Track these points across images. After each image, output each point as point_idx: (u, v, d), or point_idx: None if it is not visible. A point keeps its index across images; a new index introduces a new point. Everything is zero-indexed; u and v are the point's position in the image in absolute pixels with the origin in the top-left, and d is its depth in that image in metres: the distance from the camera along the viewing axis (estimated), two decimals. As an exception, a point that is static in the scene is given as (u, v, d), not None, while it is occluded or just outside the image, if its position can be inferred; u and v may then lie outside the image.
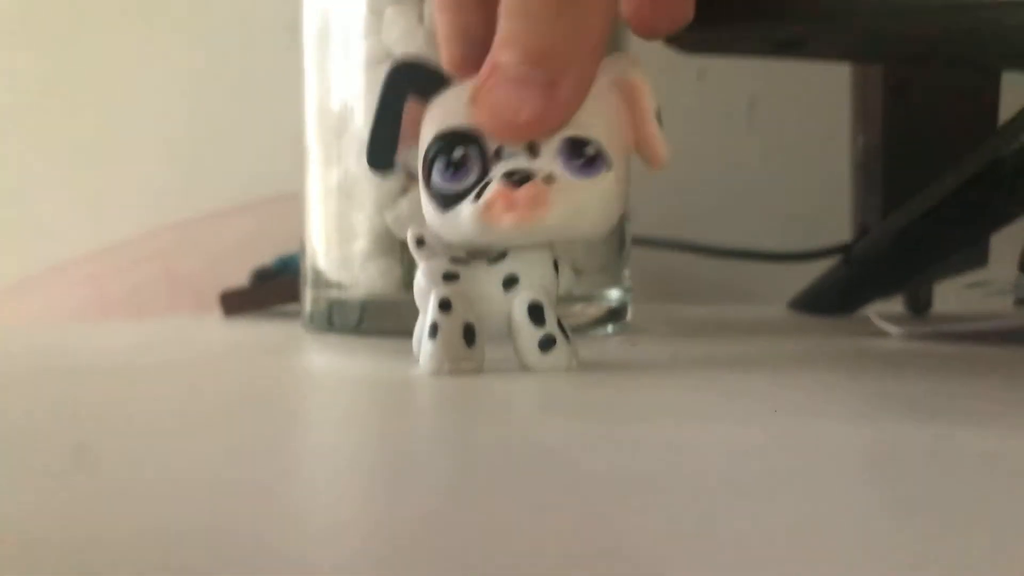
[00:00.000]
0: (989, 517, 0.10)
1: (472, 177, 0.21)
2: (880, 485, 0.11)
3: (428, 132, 0.21)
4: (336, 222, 0.32)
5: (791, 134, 0.59)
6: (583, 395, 0.19)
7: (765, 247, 0.48)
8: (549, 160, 0.20)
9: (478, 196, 0.20)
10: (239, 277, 0.47)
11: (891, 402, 0.18)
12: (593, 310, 0.32)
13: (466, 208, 0.20)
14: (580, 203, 0.20)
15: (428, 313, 0.21)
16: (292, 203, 0.35)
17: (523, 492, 0.11)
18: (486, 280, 0.21)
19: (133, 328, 0.41)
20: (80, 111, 0.64)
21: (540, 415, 0.17)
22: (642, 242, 0.44)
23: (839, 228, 0.46)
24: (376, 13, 0.30)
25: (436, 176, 0.21)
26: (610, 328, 0.32)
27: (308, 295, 0.33)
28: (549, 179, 0.20)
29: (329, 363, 0.25)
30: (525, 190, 0.20)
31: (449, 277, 0.21)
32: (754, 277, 0.55)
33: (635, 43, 0.32)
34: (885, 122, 0.42)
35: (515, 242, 0.21)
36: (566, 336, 0.21)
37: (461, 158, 0.21)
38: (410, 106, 0.22)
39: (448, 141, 0.21)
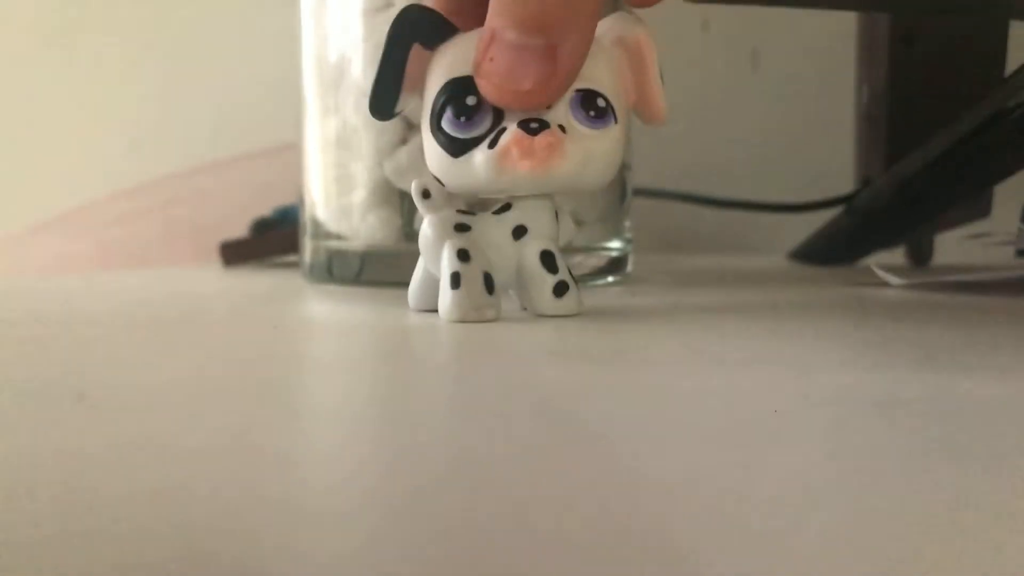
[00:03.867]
0: (992, 461, 0.10)
1: (485, 124, 0.21)
2: (881, 430, 0.11)
3: (437, 80, 0.21)
4: (335, 172, 0.32)
5: (795, 85, 0.59)
6: (591, 342, 0.19)
7: (767, 198, 0.48)
8: (562, 111, 0.21)
9: (493, 143, 0.20)
10: (239, 228, 0.47)
11: (891, 351, 0.18)
12: (594, 260, 0.32)
13: (480, 154, 0.20)
14: (590, 153, 0.21)
15: (445, 263, 0.21)
16: (290, 153, 0.34)
17: (526, 437, 0.11)
18: (496, 230, 0.22)
19: (133, 278, 0.41)
20: (78, 60, 0.64)
21: (548, 361, 0.17)
22: (643, 193, 0.44)
23: (842, 179, 0.46)
24: (374, -40, 0.30)
25: (447, 123, 0.21)
26: (611, 278, 0.32)
27: (308, 246, 0.33)
28: (562, 129, 0.20)
29: (330, 312, 0.25)
30: (543, 138, 0.20)
31: (462, 228, 0.22)
32: (755, 228, 0.55)
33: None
34: (890, 73, 0.41)
35: (527, 190, 0.21)
36: (575, 282, 0.22)
37: (475, 105, 0.21)
38: (414, 54, 0.21)
39: (460, 88, 0.21)
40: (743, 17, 0.58)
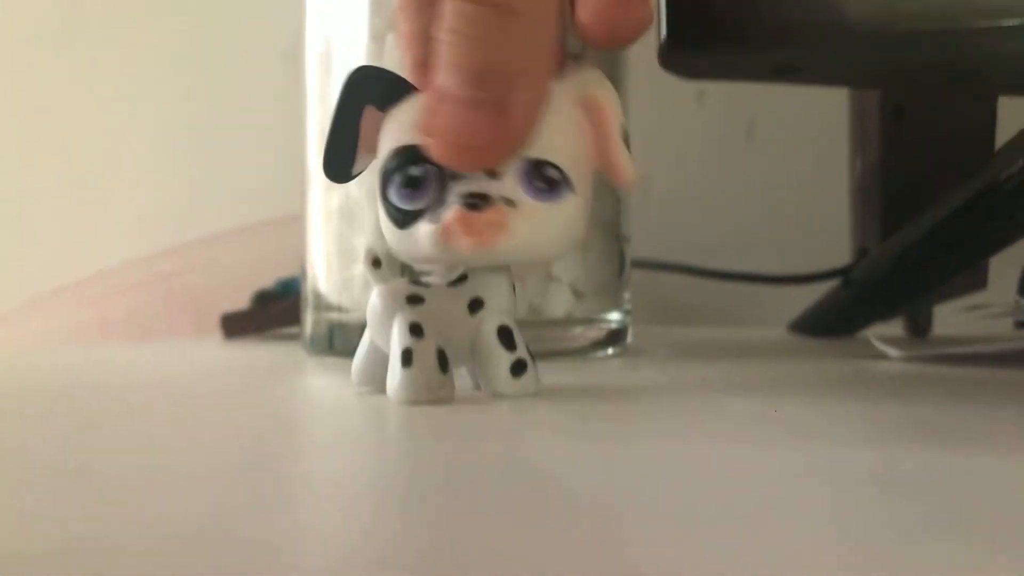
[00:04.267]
0: (997, 534, 0.10)
1: (429, 195, 0.20)
2: (885, 507, 0.11)
3: (386, 145, 0.20)
4: (337, 245, 0.32)
5: (790, 157, 0.60)
6: (590, 415, 0.19)
7: (764, 270, 0.48)
8: (510, 183, 0.20)
9: (436, 217, 0.19)
10: (240, 300, 0.47)
11: (892, 424, 0.18)
12: (593, 332, 0.32)
13: (423, 228, 0.20)
14: (542, 228, 0.20)
15: (396, 338, 0.20)
16: (293, 226, 0.35)
17: (521, 514, 0.11)
18: (451, 303, 0.20)
19: (134, 350, 0.41)
20: (80, 133, 0.65)
21: (543, 438, 0.17)
22: (642, 265, 0.45)
23: (838, 251, 0.46)
24: (377, 39, 0.30)
25: (393, 193, 0.20)
26: (610, 350, 0.32)
27: (309, 318, 0.33)
28: (509, 202, 0.19)
29: (330, 386, 0.25)
30: (485, 215, 0.19)
31: (414, 300, 0.20)
32: (754, 300, 0.55)
33: (633, 66, 0.32)
34: (883, 145, 0.42)
35: (474, 264, 0.20)
36: (533, 359, 0.21)
37: (419, 176, 0.20)
38: (368, 115, 0.21)
39: (405, 158, 0.20)
40: (738, 90, 0.59)
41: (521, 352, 0.20)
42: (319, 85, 0.33)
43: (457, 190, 0.19)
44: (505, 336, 0.20)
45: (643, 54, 0.27)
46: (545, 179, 0.19)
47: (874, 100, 0.42)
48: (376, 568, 0.09)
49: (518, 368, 0.20)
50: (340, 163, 0.21)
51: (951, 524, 0.10)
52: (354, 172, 0.21)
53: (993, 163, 0.30)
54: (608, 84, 0.21)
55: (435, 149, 0.19)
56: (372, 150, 0.21)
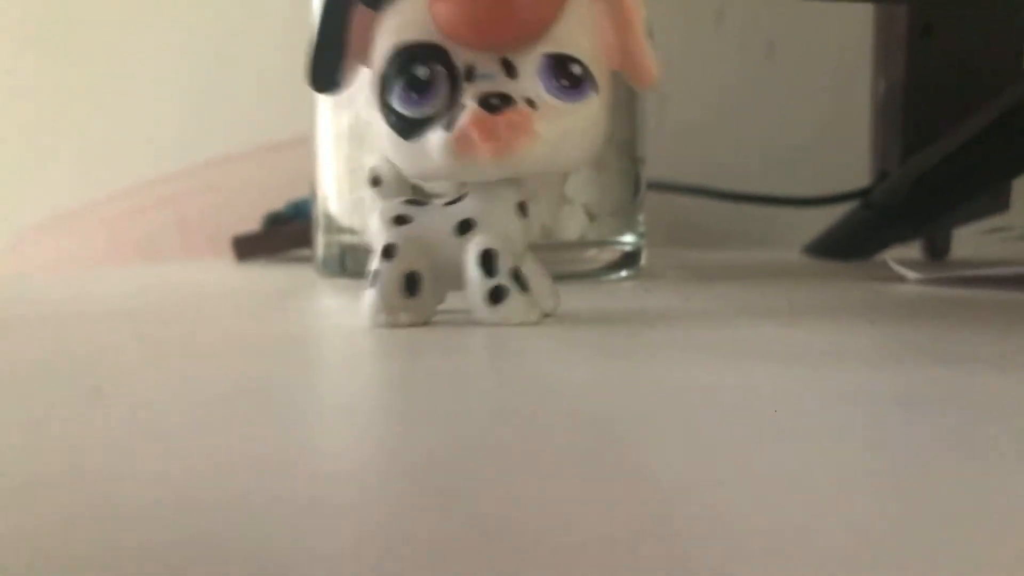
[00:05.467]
0: (1014, 454, 0.10)
1: (439, 99, 0.18)
2: (902, 427, 0.11)
3: (384, 46, 0.18)
4: (347, 166, 0.32)
5: (810, 77, 0.58)
6: (595, 339, 0.19)
7: (782, 192, 0.48)
8: (530, 81, 0.18)
9: (449, 123, 0.18)
10: (251, 222, 0.47)
11: (909, 347, 0.18)
12: (607, 255, 0.31)
13: (435, 137, 0.18)
14: (565, 131, 0.18)
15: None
16: (303, 147, 0.34)
17: (527, 429, 0.11)
18: (440, 224, 0.19)
19: (147, 273, 0.41)
20: (90, 57, 0.64)
21: (552, 358, 0.17)
22: (657, 187, 0.44)
23: (858, 173, 0.45)
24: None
25: (396, 99, 0.18)
26: (624, 273, 0.32)
27: (320, 240, 0.33)
28: (531, 104, 0.18)
29: (342, 307, 0.25)
30: (506, 117, 0.17)
31: (400, 220, 0.19)
32: (770, 222, 0.54)
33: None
34: (907, 65, 0.41)
35: (492, 176, 0.18)
36: (522, 287, 0.19)
37: (426, 77, 0.18)
38: (359, 16, 0.19)
39: (409, 57, 0.18)
40: (759, 8, 0.57)
41: (502, 278, 0.19)
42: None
43: (471, 92, 0.18)
44: (486, 260, 0.19)
45: (661, -33, 0.26)
46: (569, 76, 0.18)
47: (901, 17, 0.41)
48: (383, 484, 0.09)
49: (496, 295, 0.19)
50: (327, 71, 0.19)
51: (969, 444, 0.10)
52: (343, 82, 0.19)
53: (1020, 83, 0.29)
54: None
55: (447, 14, 0.17)
56: (363, 56, 0.19)
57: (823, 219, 0.45)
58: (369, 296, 0.19)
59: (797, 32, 0.58)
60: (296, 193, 0.46)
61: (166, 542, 0.07)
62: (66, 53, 0.64)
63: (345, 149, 0.31)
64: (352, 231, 0.31)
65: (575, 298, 0.21)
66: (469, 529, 0.08)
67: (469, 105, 0.17)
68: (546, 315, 0.20)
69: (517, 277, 0.19)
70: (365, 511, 0.08)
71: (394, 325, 0.19)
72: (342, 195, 0.32)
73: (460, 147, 0.17)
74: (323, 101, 0.32)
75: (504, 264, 0.19)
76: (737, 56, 0.60)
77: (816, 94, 0.58)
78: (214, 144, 0.62)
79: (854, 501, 0.08)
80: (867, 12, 0.45)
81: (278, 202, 0.47)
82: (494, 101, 0.17)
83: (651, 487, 0.09)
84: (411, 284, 0.19)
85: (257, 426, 0.11)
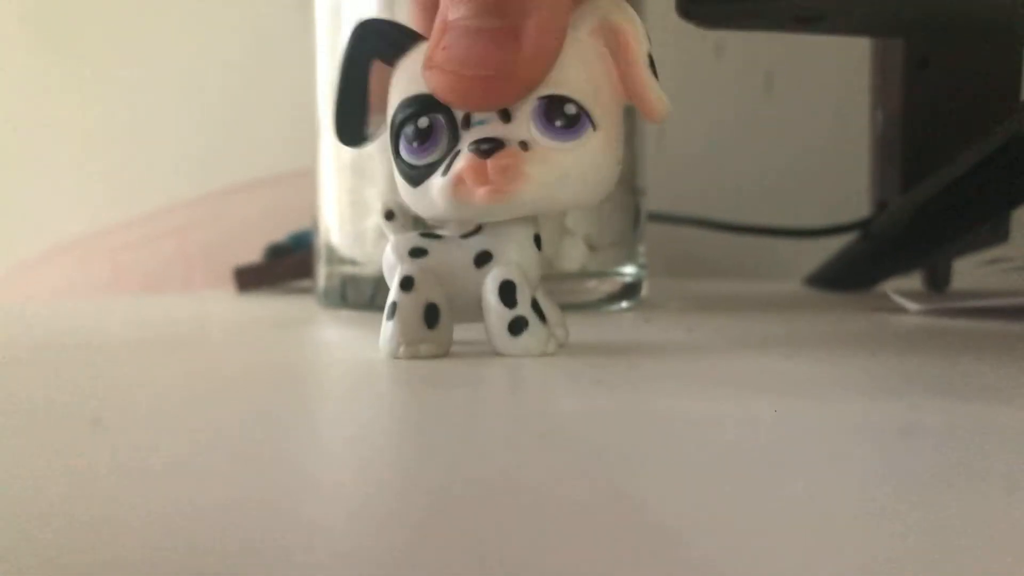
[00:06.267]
0: (1013, 485, 0.10)
1: (440, 147, 0.18)
2: (902, 460, 0.11)
3: (394, 99, 0.19)
4: (349, 198, 0.32)
5: (809, 109, 0.59)
6: (596, 369, 0.19)
7: (782, 223, 0.48)
8: (524, 124, 0.18)
9: (447, 169, 0.18)
10: (253, 253, 0.47)
11: (910, 379, 0.18)
12: (607, 286, 0.32)
13: (436, 183, 0.18)
14: (562, 170, 0.18)
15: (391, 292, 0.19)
16: (305, 179, 0.34)
17: (527, 461, 0.11)
18: (457, 256, 0.19)
19: (148, 303, 0.41)
20: (95, 90, 0.65)
21: (554, 390, 0.17)
22: (658, 218, 0.44)
23: (857, 204, 0.46)
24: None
25: (403, 149, 0.19)
26: (624, 304, 0.32)
27: (322, 271, 0.33)
28: (524, 146, 0.18)
29: (342, 338, 0.25)
30: (496, 161, 0.17)
31: (417, 253, 0.19)
32: (770, 254, 0.54)
33: (651, 15, 0.32)
34: (905, 97, 0.41)
35: (493, 218, 0.19)
36: (541, 318, 0.19)
37: (427, 128, 0.18)
38: (377, 71, 0.19)
39: (413, 108, 0.19)
40: (757, 41, 0.58)
41: (523, 309, 0.19)
42: (329, 38, 0.32)
43: (467, 138, 0.18)
44: (506, 291, 0.19)
45: (661, 3, 0.26)
46: (563, 115, 0.18)
47: (897, 51, 0.41)
48: (385, 520, 0.09)
49: (517, 326, 0.19)
50: (353, 124, 0.20)
51: (970, 476, 0.10)
52: (369, 134, 0.20)
53: (1017, 115, 0.29)
54: (629, 8, 0.19)
55: (440, 84, 0.18)
56: (384, 108, 0.20)
57: (823, 250, 0.45)
58: (388, 328, 0.19)
59: (795, 64, 0.59)
60: (297, 225, 0.46)
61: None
62: (72, 84, 0.65)
63: (347, 181, 0.32)
64: (353, 262, 0.32)
65: (577, 329, 0.21)
66: (477, 565, 0.08)
67: (463, 151, 0.18)
68: (559, 345, 0.20)
69: (536, 308, 0.19)
70: (373, 549, 0.08)
71: (415, 356, 0.19)
72: (344, 226, 0.32)
73: (455, 192, 0.18)
74: (326, 134, 0.33)
75: (523, 295, 0.19)
76: (736, 88, 0.60)
77: (815, 126, 0.58)
78: (218, 176, 0.62)
79: (857, 533, 0.08)
80: (864, 45, 0.46)
81: (280, 234, 0.48)
82: (484, 147, 0.18)
83: (653, 520, 0.09)
84: (431, 316, 0.19)
85: (265, 460, 0.11)
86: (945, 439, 0.12)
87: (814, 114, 0.59)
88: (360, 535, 0.08)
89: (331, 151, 0.32)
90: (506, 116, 0.18)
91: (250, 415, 0.14)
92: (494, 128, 0.18)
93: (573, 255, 0.30)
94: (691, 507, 0.09)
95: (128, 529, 0.09)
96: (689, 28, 0.28)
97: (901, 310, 0.31)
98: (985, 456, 0.11)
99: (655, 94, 0.19)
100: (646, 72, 0.19)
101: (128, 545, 0.08)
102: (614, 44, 0.19)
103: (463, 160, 0.18)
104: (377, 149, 0.31)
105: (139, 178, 0.64)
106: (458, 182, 0.18)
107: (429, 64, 0.18)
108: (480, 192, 0.18)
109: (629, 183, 0.32)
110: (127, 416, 0.14)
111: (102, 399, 0.16)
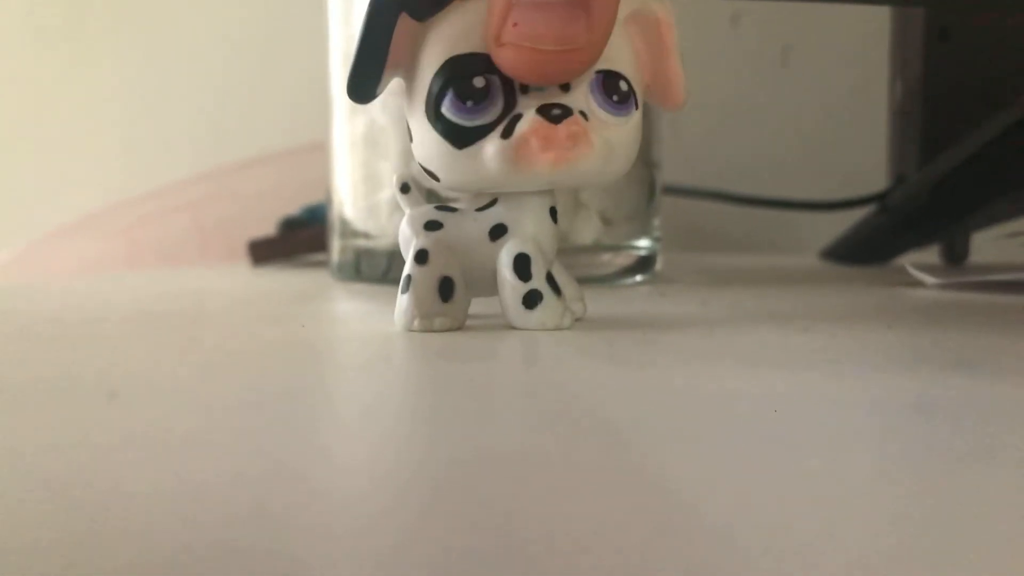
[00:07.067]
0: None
1: (495, 110, 0.18)
2: (920, 434, 0.11)
3: (434, 58, 0.18)
4: (362, 171, 0.32)
5: (826, 81, 0.58)
6: (610, 343, 0.19)
7: (798, 196, 0.47)
8: (582, 95, 0.18)
9: (507, 132, 0.18)
10: (267, 226, 0.47)
11: (926, 353, 0.17)
12: (622, 259, 0.31)
13: (491, 145, 0.18)
14: (613, 144, 0.18)
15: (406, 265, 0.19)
16: (319, 153, 0.34)
17: (542, 432, 0.11)
18: (473, 229, 0.19)
19: (164, 277, 0.41)
20: (109, 64, 0.64)
21: (569, 363, 0.17)
22: (672, 191, 0.44)
23: (875, 176, 0.45)
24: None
25: (449, 108, 0.18)
26: (639, 277, 0.32)
27: (336, 244, 0.33)
28: (584, 116, 0.18)
29: (357, 311, 0.25)
30: (566, 126, 0.17)
31: (432, 226, 0.19)
32: (786, 227, 0.54)
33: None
34: (925, 68, 0.41)
35: (546, 186, 0.19)
36: (556, 292, 0.19)
37: (483, 87, 0.18)
38: (401, 26, 0.18)
39: (465, 68, 0.18)
40: (774, 12, 0.57)
41: (537, 283, 0.19)
42: (342, 10, 0.32)
43: (530, 102, 0.18)
44: (521, 264, 0.19)
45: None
46: (618, 91, 0.18)
47: (917, 21, 0.41)
48: (400, 492, 0.09)
49: (531, 300, 0.19)
50: (368, 81, 0.19)
51: (988, 450, 0.10)
52: (379, 90, 0.19)
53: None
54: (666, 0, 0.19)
55: (516, 60, 0.17)
56: (401, 65, 0.19)
57: (840, 224, 0.44)
58: (403, 301, 0.19)
59: (813, 35, 0.58)
60: (312, 198, 0.46)
61: (184, 550, 0.07)
62: (85, 60, 0.65)
63: (360, 154, 0.32)
64: (367, 235, 0.32)
65: (592, 303, 0.21)
66: (492, 537, 0.08)
67: (529, 114, 0.18)
68: (577, 319, 0.20)
69: (551, 282, 0.19)
70: (389, 521, 0.08)
71: (429, 329, 0.19)
72: (357, 200, 0.32)
73: (519, 155, 0.18)
74: (339, 107, 0.32)
75: (538, 269, 0.19)
76: (753, 60, 0.59)
77: (833, 98, 0.58)
78: (232, 150, 0.62)
79: (873, 508, 0.08)
80: (883, 16, 0.45)
81: (294, 207, 0.48)
82: (556, 111, 0.18)
83: (669, 493, 0.09)
84: (445, 289, 0.19)
85: (280, 433, 0.11)
86: (961, 414, 0.12)
87: (831, 86, 0.58)
88: (375, 506, 0.09)
89: (344, 124, 0.32)
90: (565, 85, 0.18)
91: (265, 388, 0.14)
92: (556, 95, 0.18)
93: (587, 228, 0.30)
94: (707, 480, 0.09)
95: (145, 501, 0.09)
96: (705, -1, 0.28)
97: (918, 284, 0.31)
98: (1001, 432, 0.11)
99: (682, 83, 0.19)
100: (678, 60, 0.19)
101: (145, 517, 0.08)
102: (651, 31, 0.19)
103: (529, 123, 0.18)
104: (390, 123, 0.30)
105: (153, 153, 0.64)
106: (524, 144, 0.17)
107: (499, 42, 0.17)
108: (547, 156, 0.17)
109: (644, 156, 0.32)
110: (143, 390, 0.14)
111: (118, 373, 0.16)
